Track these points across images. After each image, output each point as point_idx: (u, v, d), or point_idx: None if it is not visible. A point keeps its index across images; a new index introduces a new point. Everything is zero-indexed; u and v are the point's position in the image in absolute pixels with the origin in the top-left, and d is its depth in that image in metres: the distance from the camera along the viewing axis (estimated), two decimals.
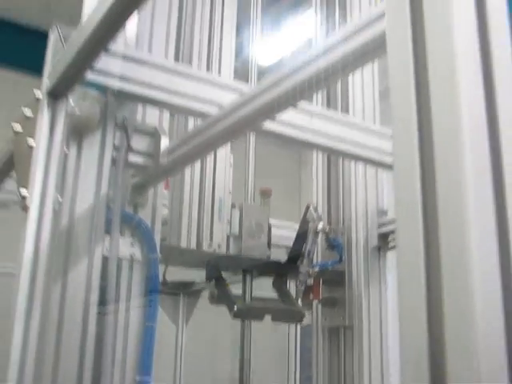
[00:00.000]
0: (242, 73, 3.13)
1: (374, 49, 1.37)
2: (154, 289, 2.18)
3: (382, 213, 2.84)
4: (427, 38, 0.75)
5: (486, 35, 0.75)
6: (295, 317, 2.71)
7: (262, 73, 3.18)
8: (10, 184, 2.61)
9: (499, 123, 0.71)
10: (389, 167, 2.35)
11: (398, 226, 0.74)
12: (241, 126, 1.81)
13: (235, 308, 2.49)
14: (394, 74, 0.79)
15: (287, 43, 6.93)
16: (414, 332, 0.68)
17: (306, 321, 2.79)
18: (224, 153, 2.73)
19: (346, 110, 2.86)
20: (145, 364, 2.10)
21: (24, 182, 1.85)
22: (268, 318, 2.59)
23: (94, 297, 1.97)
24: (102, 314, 2.01)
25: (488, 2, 0.76)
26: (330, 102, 2.95)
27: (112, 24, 1.57)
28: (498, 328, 0.64)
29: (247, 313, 2.57)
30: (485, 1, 0.76)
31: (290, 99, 1.65)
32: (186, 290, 3.89)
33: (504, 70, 0.74)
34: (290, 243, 2.80)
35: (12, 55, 7.16)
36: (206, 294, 3.00)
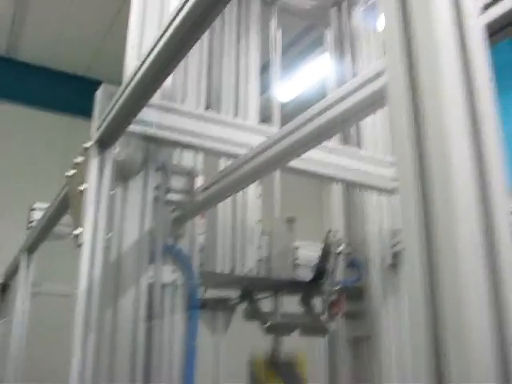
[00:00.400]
0: (264, 108, 3.14)
1: (383, 97, 1.37)
2: (194, 310, 2.19)
3: (394, 233, 2.83)
4: (421, 92, 0.76)
5: (470, 85, 0.76)
6: (320, 331, 2.70)
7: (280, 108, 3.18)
8: (65, 218, 2.65)
9: (484, 154, 0.73)
10: None
11: (405, 244, 0.76)
12: (267, 167, 1.82)
13: (267, 324, 2.49)
14: (394, 125, 0.81)
15: (303, 82, 6.98)
16: (420, 335, 0.70)
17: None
18: (253, 185, 2.73)
19: (360, 145, 2.87)
20: (187, 378, 2.10)
21: (77, 221, 1.87)
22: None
23: (141, 319, 1.98)
24: (149, 335, 2.02)
25: (471, 57, 0.77)
26: (345, 139, 2.95)
27: (150, 84, 1.60)
28: (487, 333, 0.65)
29: (278, 329, 2.57)
30: (469, 57, 0.77)
31: (311, 141, 1.66)
32: (222, 305, 3.89)
33: (488, 117, 0.75)
34: (314, 262, 2.79)
35: (65, 102, 7.29)
36: (241, 309, 3.01)
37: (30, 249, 3.40)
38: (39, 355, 5.07)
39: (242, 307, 2.87)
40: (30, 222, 3.45)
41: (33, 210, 3.48)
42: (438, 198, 0.71)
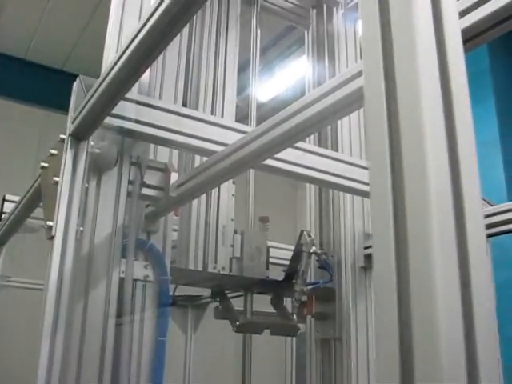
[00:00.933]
0: (242, 107, 3.13)
1: (360, 98, 1.37)
2: (165, 306, 2.18)
3: (367, 236, 2.84)
4: (398, 92, 0.76)
5: (447, 89, 0.76)
6: (291, 331, 2.70)
7: (259, 108, 3.18)
8: (38, 211, 2.62)
9: (460, 158, 0.73)
10: None
11: (374, 248, 0.75)
12: (242, 164, 1.81)
13: (238, 323, 2.49)
14: (369, 124, 0.80)
15: (282, 82, 7.00)
16: (388, 337, 0.69)
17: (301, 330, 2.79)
18: (227, 184, 2.73)
19: (335, 147, 2.88)
20: (157, 375, 2.09)
21: (50, 213, 1.85)
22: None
23: (112, 315, 1.97)
24: (119, 330, 2.00)
25: (449, 62, 0.77)
26: (321, 141, 2.97)
27: (128, 77, 1.59)
28: (458, 334, 0.65)
29: (248, 327, 2.57)
30: (446, 62, 0.77)
31: (287, 141, 1.66)
32: (193, 302, 3.89)
33: (464, 120, 0.75)
34: (287, 262, 2.80)
35: (42, 94, 7.23)
36: (212, 307, 3.00)
37: (0, 241, 3.36)
38: (7, 349, 5.02)
39: (213, 305, 2.86)
40: (3, 213, 3.41)
41: (5, 201, 3.44)
42: (410, 203, 0.70)
